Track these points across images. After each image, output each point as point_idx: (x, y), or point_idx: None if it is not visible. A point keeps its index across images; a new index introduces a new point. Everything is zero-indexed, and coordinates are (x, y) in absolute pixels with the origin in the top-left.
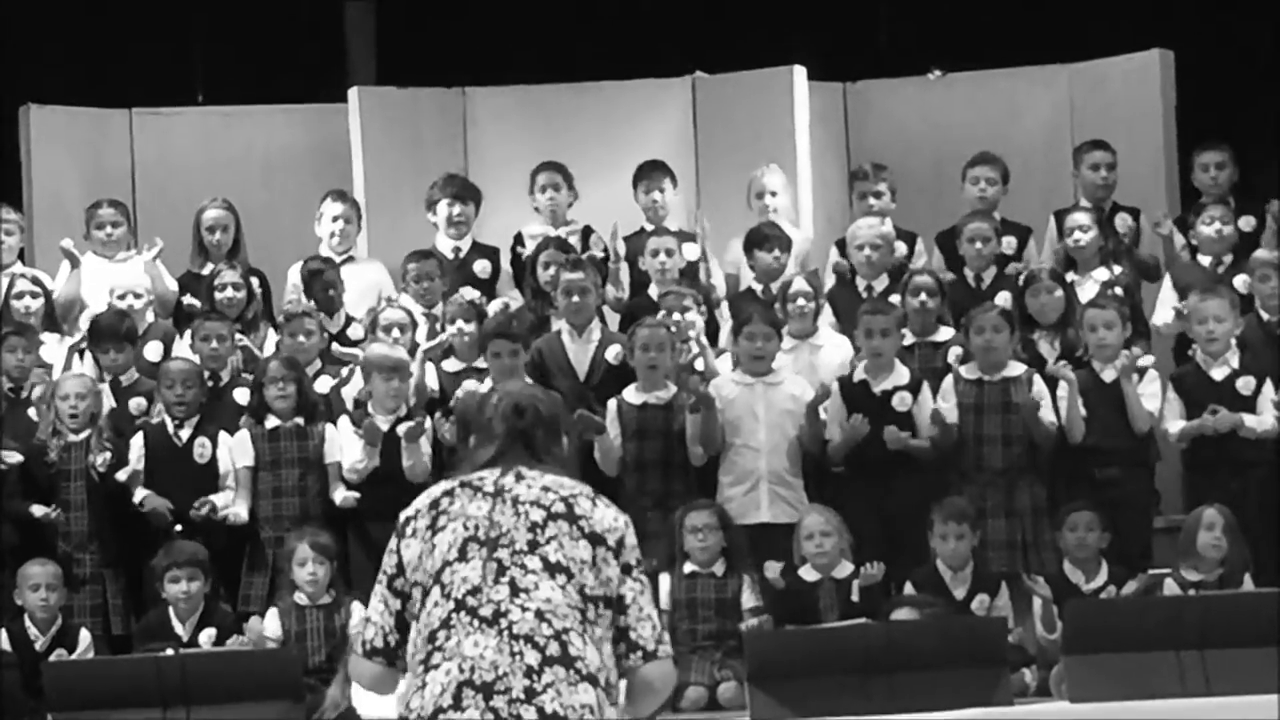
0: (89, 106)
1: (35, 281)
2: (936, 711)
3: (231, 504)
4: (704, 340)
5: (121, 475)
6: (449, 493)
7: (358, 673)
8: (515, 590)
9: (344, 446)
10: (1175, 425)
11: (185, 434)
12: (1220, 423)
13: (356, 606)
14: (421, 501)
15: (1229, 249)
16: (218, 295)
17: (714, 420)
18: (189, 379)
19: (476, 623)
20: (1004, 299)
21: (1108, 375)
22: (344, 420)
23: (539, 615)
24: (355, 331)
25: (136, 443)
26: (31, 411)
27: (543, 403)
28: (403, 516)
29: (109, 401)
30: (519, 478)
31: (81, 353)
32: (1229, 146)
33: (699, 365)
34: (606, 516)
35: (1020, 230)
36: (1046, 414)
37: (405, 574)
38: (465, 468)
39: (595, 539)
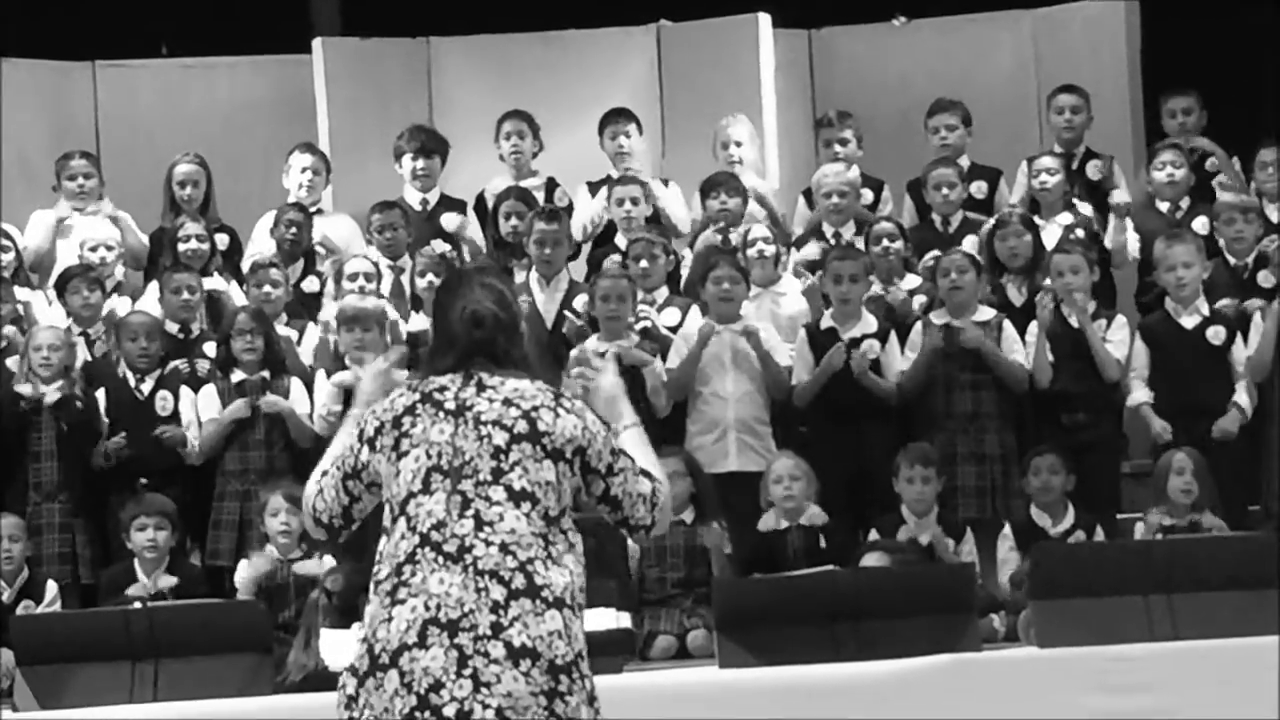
0: (52, 60)
1: (5, 235)
2: (905, 658)
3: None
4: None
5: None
6: (410, 409)
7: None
8: (480, 524)
9: (320, 399)
10: (1142, 393)
11: (147, 387)
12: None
13: (328, 560)
14: (385, 415)
15: (1184, 193)
16: (181, 247)
17: (692, 363)
18: (150, 332)
19: (441, 559)
20: (971, 243)
21: (1075, 320)
22: (320, 374)
23: (503, 548)
24: (310, 284)
25: (101, 395)
26: (11, 361)
27: (503, 310)
28: (370, 426)
29: (83, 354)
30: (480, 388)
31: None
32: (1197, 91)
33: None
34: (567, 426)
35: (990, 173)
36: (1018, 358)
37: (361, 477)
38: (426, 370)
39: (556, 455)
